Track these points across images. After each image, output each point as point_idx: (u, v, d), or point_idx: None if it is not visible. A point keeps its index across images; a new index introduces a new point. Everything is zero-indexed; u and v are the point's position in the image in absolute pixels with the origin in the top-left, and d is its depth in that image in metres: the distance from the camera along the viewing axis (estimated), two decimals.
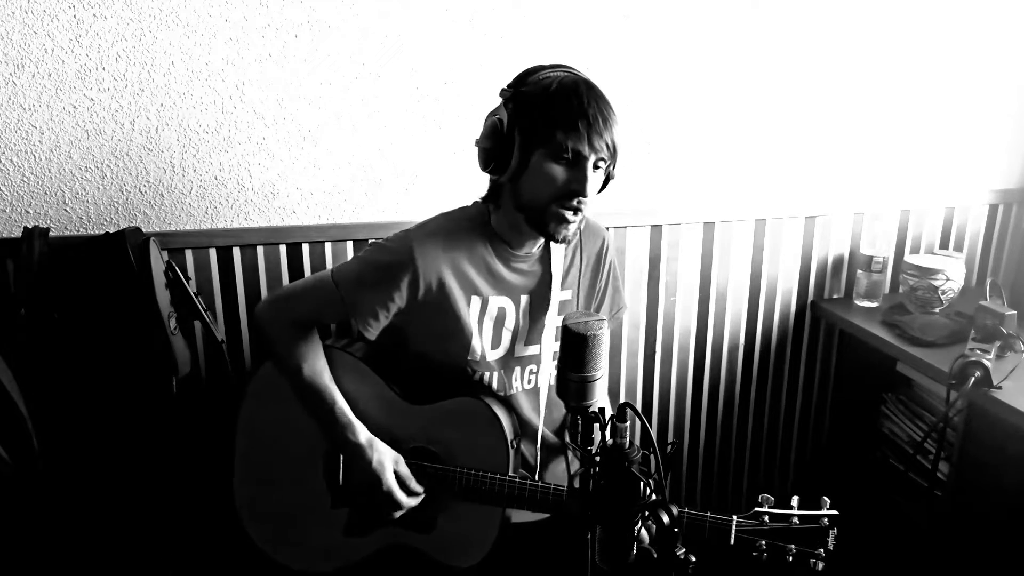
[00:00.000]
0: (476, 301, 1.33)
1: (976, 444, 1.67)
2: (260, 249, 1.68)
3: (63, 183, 1.54)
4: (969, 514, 1.74)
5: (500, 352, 1.38)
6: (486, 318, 1.35)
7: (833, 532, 1.20)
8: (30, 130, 1.50)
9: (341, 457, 1.38)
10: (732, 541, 1.22)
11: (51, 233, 1.50)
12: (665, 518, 0.94)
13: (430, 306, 1.30)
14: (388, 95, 1.66)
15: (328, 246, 1.72)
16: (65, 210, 1.56)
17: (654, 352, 2.02)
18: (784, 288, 2.09)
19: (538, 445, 1.42)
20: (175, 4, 1.50)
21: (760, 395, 2.16)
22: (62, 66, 1.48)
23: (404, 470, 1.33)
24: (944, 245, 2.20)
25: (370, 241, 1.68)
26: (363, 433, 1.32)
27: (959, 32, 2.01)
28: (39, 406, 1.33)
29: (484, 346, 1.36)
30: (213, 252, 1.66)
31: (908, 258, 2.04)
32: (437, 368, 1.37)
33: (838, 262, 2.12)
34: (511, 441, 1.34)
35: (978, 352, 1.61)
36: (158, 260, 1.45)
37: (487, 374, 1.37)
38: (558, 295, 1.38)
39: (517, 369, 1.40)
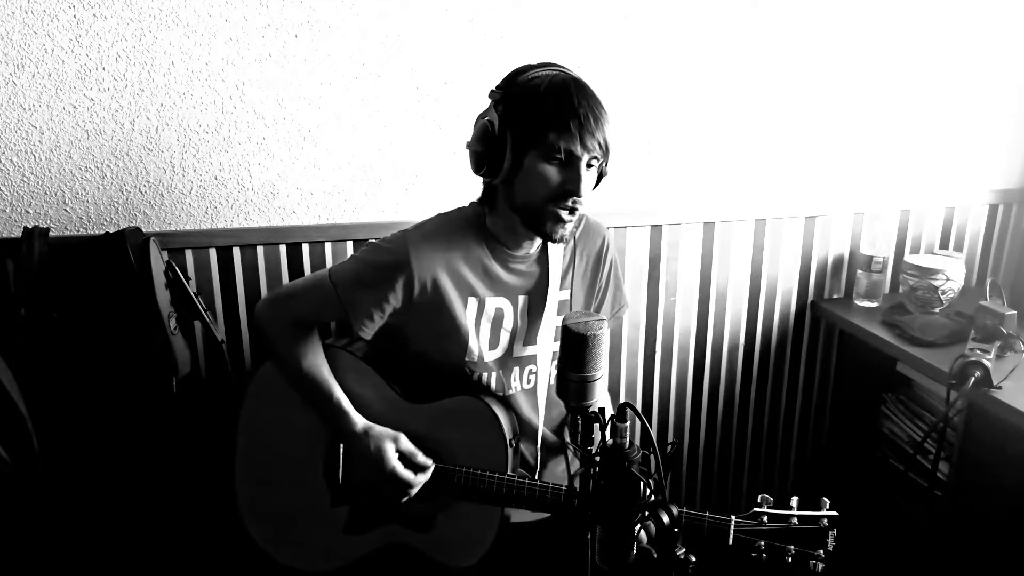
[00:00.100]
0: (472, 302, 1.33)
1: (976, 444, 1.67)
2: (260, 249, 1.68)
3: (63, 183, 1.54)
4: (969, 514, 1.74)
5: (498, 353, 1.38)
6: (483, 319, 1.35)
7: (832, 533, 1.20)
8: (30, 130, 1.50)
9: (341, 455, 1.38)
10: (731, 541, 1.22)
11: (51, 233, 1.50)
12: (665, 518, 0.94)
13: (426, 306, 1.30)
14: (388, 95, 1.66)
15: (328, 246, 1.72)
16: (65, 210, 1.56)
17: (654, 352, 2.02)
18: (784, 288, 2.09)
19: (538, 445, 1.42)
20: (175, 4, 1.50)
21: (760, 395, 2.16)
22: (62, 66, 1.48)
23: (407, 446, 1.32)
24: (944, 245, 2.20)
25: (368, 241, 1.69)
26: (360, 422, 1.33)
27: (959, 32, 2.01)
28: (39, 406, 1.33)
29: (482, 347, 1.36)
30: (213, 252, 1.66)
31: (908, 258, 2.04)
32: (437, 368, 1.37)
33: (838, 262, 2.12)
34: (510, 441, 1.34)
35: (978, 352, 1.61)
36: (158, 260, 1.45)
37: (485, 374, 1.37)
38: (557, 295, 1.38)
39: (516, 369, 1.40)
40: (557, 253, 1.38)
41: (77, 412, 1.53)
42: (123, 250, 1.40)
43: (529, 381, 1.42)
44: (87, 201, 1.56)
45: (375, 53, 1.63)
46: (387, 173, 1.71)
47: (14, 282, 1.47)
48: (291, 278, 1.71)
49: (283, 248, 1.69)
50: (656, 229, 1.93)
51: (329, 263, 1.72)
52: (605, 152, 1.22)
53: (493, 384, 1.38)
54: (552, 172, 1.20)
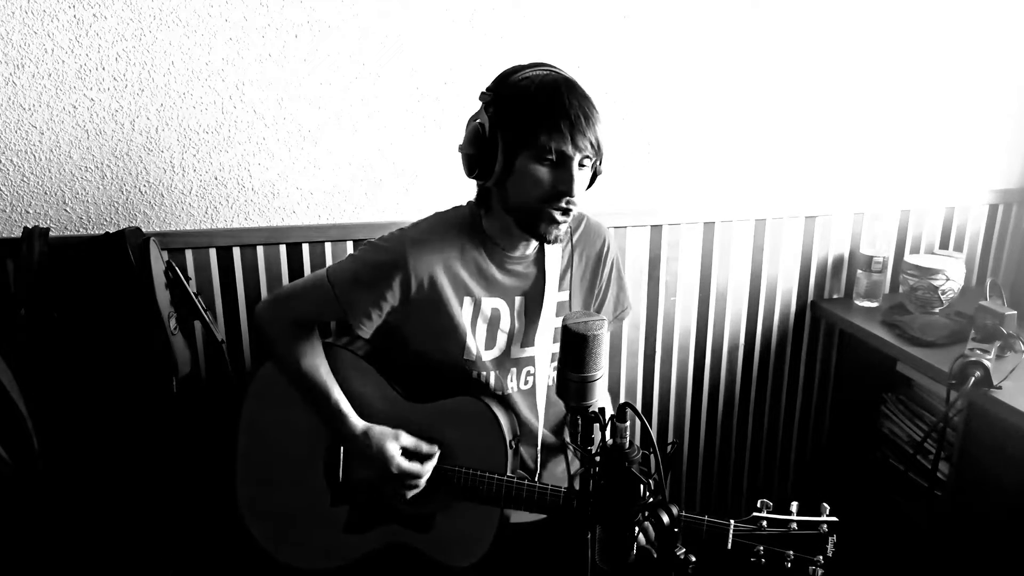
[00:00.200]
0: (468, 302, 1.34)
1: (976, 444, 1.67)
2: (260, 249, 1.68)
3: (63, 183, 1.54)
4: (969, 514, 1.74)
5: (495, 353, 1.38)
6: (479, 319, 1.35)
7: (832, 539, 1.20)
8: (30, 130, 1.50)
9: (341, 454, 1.38)
10: (729, 546, 1.22)
11: (51, 233, 1.50)
12: (665, 518, 0.94)
13: (424, 304, 1.31)
14: (388, 95, 1.66)
15: (328, 246, 1.72)
16: (65, 210, 1.56)
17: (654, 352, 2.02)
18: (784, 288, 2.09)
19: (538, 447, 1.42)
20: (175, 4, 1.50)
21: (760, 395, 2.16)
22: (62, 66, 1.48)
23: (409, 440, 1.33)
24: (944, 245, 2.20)
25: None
26: (359, 424, 1.33)
27: (959, 32, 2.01)
28: (39, 406, 1.33)
29: (479, 346, 1.36)
30: (213, 252, 1.66)
31: (908, 258, 2.04)
32: (437, 367, 1.37)
33: (838, 262, 2.12)
34: (510, 442, 1.34)
35: (978, 352, 1.61)
36: (158, 260, 1.45)
37: (484, 373, 1.37)
38: (555, 296, 1.38)
39: (513, 370, 1.40)
40: (555, 254, 1.37)
41: (77, 412, 1.53)
42: (123, 250, 1.40)
43: (527, 382, 1.42)
44: (87, 201, 1.56)
45: (375, 53, 1.63)
46: (387, 173, 1.71)
47: (14, 282, 1.47)
48: (291, 278, 1.71)
49: (283, 248, 1.69)
50: (656, 229, 1.93)
51: (329, 263, 1.72)
52: (597, 151, 1.22)
53: (492, 383, 1.38)
54: (544, 173, 1.20)
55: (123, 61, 1.50)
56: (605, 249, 1.45)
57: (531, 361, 1.40)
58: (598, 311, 1.48)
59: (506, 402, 1.40)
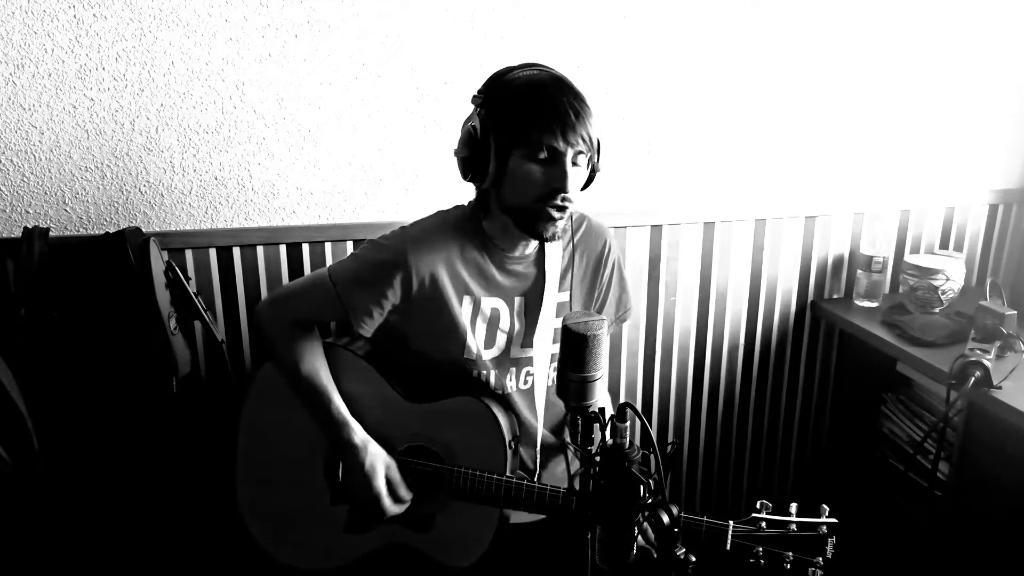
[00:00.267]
0: (468, 301, 1.34)
1: (976, 444, 1.67)
2: (260, 249, 1.68)
3: (63, 183, 1.54)
4: (969, 514, 1.74)
5: (495, 352, 1.38)
6: (479, 319, 1.35)
7: (832, 540, 1.19)
8: (30, 130, 1.50)
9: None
10: (728, 547, 1.22)
11: (51, 233, 1.50)
12: (665, 518, 0.94)
13: (424, 302, 1.31)
14: (388, 95, 1.66)
15: (328, 246, 1.72)
16: (65, 210, 1.56)
17: (654, 352, 2.02)
18: (784, 288, 2.09)
19: (537, 447, 1.42)
20: (175, 4, 1.50)
21: (760, 395, 2.16)
22: (62, 66, 1.48)
23: (395, 476, 1.33)
24: (944, 245, 2.20)
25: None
26: (358, 434, 1.32)
27: (959, 32, 2.01)
28: (39, 406, 1.33)
29: (479, 346, 1.36)
30: (213, 252, 1.66)
31: (908, 258, 2.04)
32: (437, 367, 1.37)
33: (838, 262, 2.12)
34: (509, 442, 1.34)
35: (978, 352, 1.61)
36: (158, 260, 1.45)
37: (484, 372, 1.37)
38: (555, 296, 1.38)
39: (512, 370, 1.40)
40: (555, 254, 1.37)
41: (77, 412, 1.53)
42: (123, 250, 1.40)
43: (526, 382, 1.42)
44: (87, 201, 1.56)
45: (375, 53, 1.63)
46: (387, 173, 1.71)
47: (14, 282, 1.47)
48: (291, 278, 1.71)
49: (283, 248, 1.69)
50: (656, 229, 1.93)
51: (329, 263, 1.72)
52: (591, 146, 1.21)
53: (492, 382, 1.38)
54: (537, 171, 1.20)
55: (123, 61, 1.50)
56: (606, 250, 1.45)
57: (530, 361, 1.40)
58: (599, 312, 1.48)
59: (506, 402, 1.40)
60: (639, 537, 1.00)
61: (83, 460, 1.57)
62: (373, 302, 1.30)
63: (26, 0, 1.43)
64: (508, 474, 1.32)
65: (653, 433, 1.26)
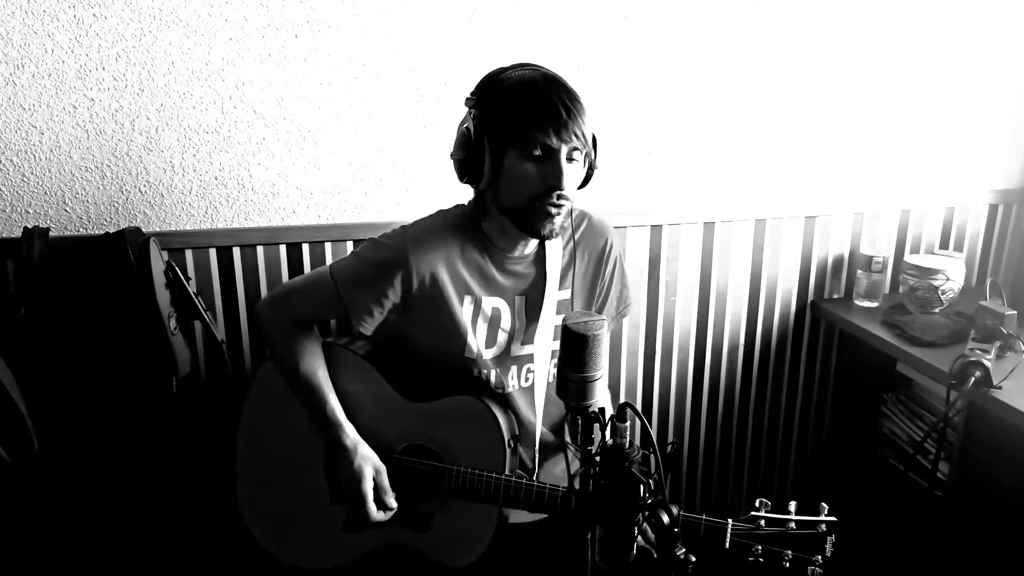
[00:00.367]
0: (469, 301, 1.34)
1: (976, 444, 1.67)
2: (260, 249, 1.68)
3: (63, 183, 1.54)
4: (969, 514, 1.74)
5: (495, 351, 1.38)
6: (480, 318, 1.35)
7: (831, 539, 1.19)
8: (30, 130, 1.50)
9: None
10: (727, 545, 1.22)
11: (51, 233, 1.50)
12: (665, 518, 0.94)
13: (425, 301, 1.31)
14: (388, 95, 1.66)
15: (328, 246, 1.72)
16: (65, 210, 1.56)
17: (654, 352, 2.02)
18: (784, 288, 2.09)
19: (536, 447, 1.42)
20: (175, 4, 1.50)
21: (760, 395, 2.15)
22: (62, 66, 1.48)
23: (384, 482, 1.32)
24: (944, 245, 2.20)
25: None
26: (350, 436, 1.32)
27: (959, 32, 2.01)
28: (39, 406, 1.33)
29: (479, 345, 1.36)
30: (213, 252, 1.66)
31: (908, 258, 2.04)
32: (437, 366, 1.37)
33: (838, 262, 2.12)
34: (508, 441, 1.34)
35: (978, 352, 1.61)
36: (158, 260, 1.45)
37: (484, 371, 1.38)
38: (555, 295, 1.38)
39: (513, 368, 1.40)
40: (555, 252, 1.38)
41: (77, 412, 1.53)
42: (123, 250, 1.40)
43: (527, 380, 1.42)
44: (87, 201, 1.56)
45: (375, 53, 1.63)
46: (387, 173, 1.71)
47: (14, 282, 1.47)
48: (291, 278, 1.70)
49: (283, 248, 1.69)
50: (656, 229, 1.93)
51: (328, 263, 1.72)
52: (585, 142, 1.21)
53: (492, 381, 1.38)
54: (532, 169, 1.20)
55: (123, 61, 1.50)
56: (608, 247, 1.45)
57: (531, 358, 1.40)
58: (600, 309, 1.48)
59: (505, 401, 1.40)
60: (639, 537, 1.00)
61: (83, 460, 1.57)
62: (373, 301, 1.30)
63: (26, 0, 1.43)
64: (507, 473, 1.32)
65: (653, 433, 1.26)
